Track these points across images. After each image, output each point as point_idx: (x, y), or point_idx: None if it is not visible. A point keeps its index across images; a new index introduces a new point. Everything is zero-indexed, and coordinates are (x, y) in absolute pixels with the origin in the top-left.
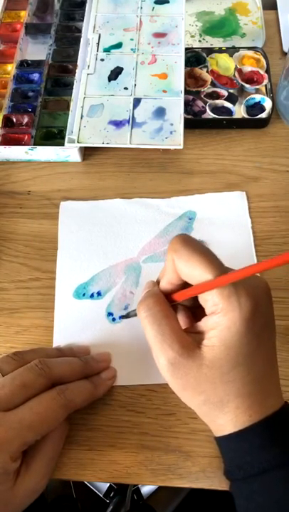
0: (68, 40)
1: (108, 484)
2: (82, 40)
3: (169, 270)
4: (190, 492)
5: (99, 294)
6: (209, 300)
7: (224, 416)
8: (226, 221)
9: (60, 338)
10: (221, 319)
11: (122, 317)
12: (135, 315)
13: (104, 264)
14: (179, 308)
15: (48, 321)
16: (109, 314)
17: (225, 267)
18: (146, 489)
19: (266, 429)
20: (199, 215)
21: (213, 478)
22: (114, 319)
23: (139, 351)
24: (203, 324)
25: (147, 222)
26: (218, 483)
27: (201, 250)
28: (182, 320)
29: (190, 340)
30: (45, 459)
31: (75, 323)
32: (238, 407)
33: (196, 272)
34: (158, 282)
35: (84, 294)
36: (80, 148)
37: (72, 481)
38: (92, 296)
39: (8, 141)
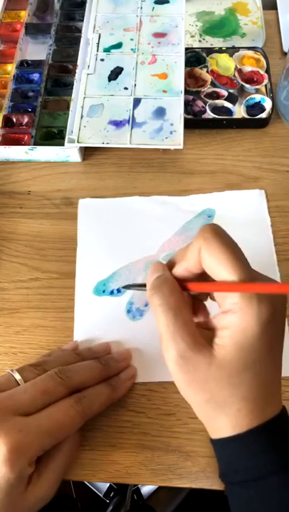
0: (68, 40)
1: (108, 484)
2: (82, 40)
3: (191, 257)
4: (190, 492)
5: (119, 290)
6: (228, 298)
7: (224, 417)
8: (245, 219)
9: (80, 334)
10: (237, 320)
11: (122, 288)
12: (138, 289)
13: (124, 261)
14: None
15: (48, 321)
16: (129, 311)
17: (251, 269)
18: (146, 489)
19: (265, 434)
20: (218, 213)
21: (213, 478)
22: (134, 316)
23: (159, 348)
24: (217, 321)
25: (166, 219)
26: (218, 483)
27: (231, 246)
28: None
29: (202, 336)
30: (57, 468)
31: (94, 320)
32: (240, 410)
33: (220, 268)
34: (168, 266)
35: (104, 291)
36: (80, 148)
37: (72, 481)
38: (112, 292)
39: (8, 141)
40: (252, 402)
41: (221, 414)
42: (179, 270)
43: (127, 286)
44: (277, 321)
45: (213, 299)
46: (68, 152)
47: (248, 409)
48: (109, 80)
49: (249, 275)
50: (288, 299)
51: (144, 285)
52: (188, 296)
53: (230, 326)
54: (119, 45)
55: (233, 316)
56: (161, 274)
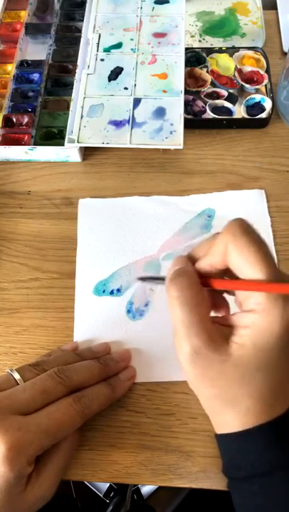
0: (68, 40)
1: (108, 484)
2: (82, 40)
3: (216, 253)
4: (190, 492)
5: (119, 290)
6: (252, 297)
7: (232, 413)
8: (245, 219)
9: (80, 334)
10: (259, 320)
11: (138, 279)
12: (155, 282)
13: (124, 261)
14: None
15: (47, 321)
16: (129, 311)
17: (277, 269)
18: (146, 489)
19: (271, 430)
20: (218, 213)
21: (213, 478)
22: (134, 316)
23: (159, 348)
24: (236, 319)
25: (166, 219)
26: (218, 483)
27: (260, 244)
28: None
29: (218, 332)
30: (56, 468)
31: (94, 320)
32: (249, 408)
33: (247, 266)
34: (190, 259)
35: (104, 291)
36: (80, 148)
37: (72, 481)
38: (112, 292)
39: (8, 141)
40: (262, 401)
41: (229, 411)
42: (202, 265)
43: (143, 278)
44: None
45: (232, 294)
46: (68, 152)
47: (257, 408)
48: (109, 80)
49: (276, 275)
50: None
51: (163, 278)
52: (206, 291)
53: (251, 325)
54: (119, 45)
55: (255, 316)
56: (182, 266)
